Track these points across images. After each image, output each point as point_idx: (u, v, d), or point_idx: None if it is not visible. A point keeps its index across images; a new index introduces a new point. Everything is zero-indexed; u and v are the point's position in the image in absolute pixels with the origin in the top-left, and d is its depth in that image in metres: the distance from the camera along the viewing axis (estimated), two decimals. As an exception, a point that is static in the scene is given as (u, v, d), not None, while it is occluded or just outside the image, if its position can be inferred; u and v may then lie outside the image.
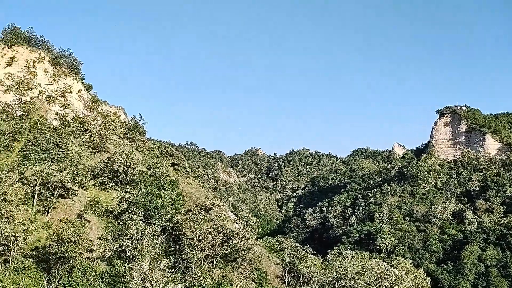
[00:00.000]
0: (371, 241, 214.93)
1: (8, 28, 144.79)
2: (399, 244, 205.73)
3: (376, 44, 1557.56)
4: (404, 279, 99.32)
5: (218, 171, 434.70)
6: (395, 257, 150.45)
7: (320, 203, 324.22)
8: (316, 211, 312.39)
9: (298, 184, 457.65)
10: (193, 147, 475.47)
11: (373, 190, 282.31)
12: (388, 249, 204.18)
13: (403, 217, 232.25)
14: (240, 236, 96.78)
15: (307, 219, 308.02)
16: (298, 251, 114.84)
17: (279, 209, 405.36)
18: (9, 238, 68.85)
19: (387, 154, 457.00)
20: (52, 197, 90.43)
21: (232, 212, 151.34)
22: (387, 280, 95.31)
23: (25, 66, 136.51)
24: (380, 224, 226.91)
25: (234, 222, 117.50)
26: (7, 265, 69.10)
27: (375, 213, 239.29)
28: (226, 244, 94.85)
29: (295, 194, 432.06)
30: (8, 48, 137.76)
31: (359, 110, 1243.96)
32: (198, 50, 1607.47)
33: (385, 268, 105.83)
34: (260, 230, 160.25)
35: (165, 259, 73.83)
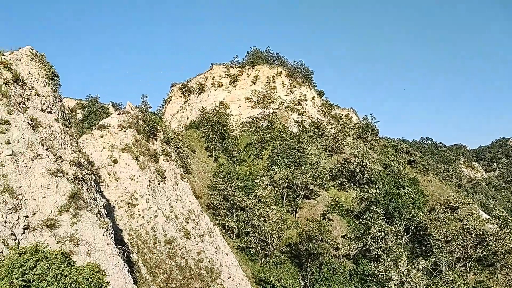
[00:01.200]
0: None
1: (251, 51, 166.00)
2: None
3: None
4: None
5: (461, 166, 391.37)
6: None
7: None
8: None
9: None
10: (430, 142, 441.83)
11: None
12: None
13: None
14: (497, 238, 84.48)
15: None
16: None
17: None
18: (267, 235, 77.17)
19: None
20: (298, 198, 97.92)
21: (482, 210, 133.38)
22: None
23: (266, 82, 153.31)
24: None
25: (487, 222, 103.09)
26: (267, 259, 77.55)
27: None
28: (480, 246, 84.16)
29: None
30: (252, 68, 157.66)
31: None
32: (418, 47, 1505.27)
33: None
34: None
35: (423, 260, 69.92)
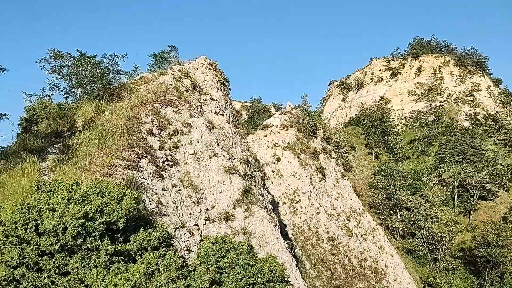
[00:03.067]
0: None
1: (413, 41, 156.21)
2: None
3: None
4: None
5: None
6: None
7: None
8: None
9: None
10: None
11: None
12: None
13: None
14: None
15: None
16: None
17: None
18: (436, 237, 71.73)
19: None
20: (472, 198, 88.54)
21: None
22: None
23: (431, 73, 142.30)
24: None
25: None
26: (437, 263, 72.02)
27: None
28: None
29: None
30: (415, 59, 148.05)
31: None
32: None
33: None
34: None
35: None
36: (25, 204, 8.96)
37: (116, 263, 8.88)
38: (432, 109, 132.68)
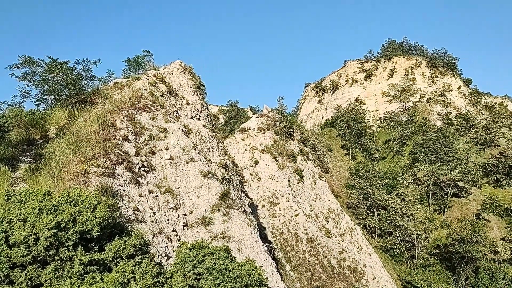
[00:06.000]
0: None
1: (386, 43, 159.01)
2: None
3: None
4: None
5: None
6: None
7: None
8: None
9: None
10: None
11: None
12: None
13: None
14: None
15: None
16: None
17: None
18: (412, 235, 72.98)
19: None
20: (446, 196, 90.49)
21: None
22: None
23: (404, 75, 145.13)
24: None
25: None
26: (414, 260, 73.28)
27: None
28: None
29: None
30: (388, 61, 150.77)
31: None
32: None
33: None
34: None
35: None
36: (-6, 215, 8.70)
37: (91, 273, 8.70)
38: (406, 110, 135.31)
